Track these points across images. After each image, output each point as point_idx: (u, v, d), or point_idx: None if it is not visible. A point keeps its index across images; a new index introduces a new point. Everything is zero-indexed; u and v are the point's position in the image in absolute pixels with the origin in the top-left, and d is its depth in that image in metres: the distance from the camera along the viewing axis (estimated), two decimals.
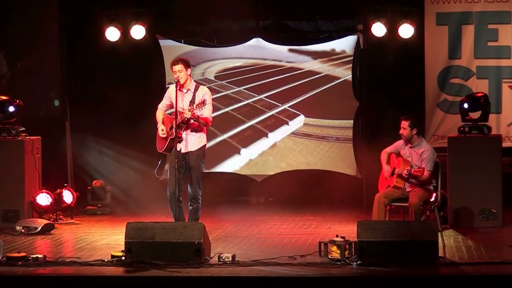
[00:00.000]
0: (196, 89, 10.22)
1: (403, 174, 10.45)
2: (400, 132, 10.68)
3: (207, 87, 10.46)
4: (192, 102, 10.09)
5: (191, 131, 10.15)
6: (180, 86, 10.17)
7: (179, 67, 10.13)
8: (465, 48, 13.20)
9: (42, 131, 12.71)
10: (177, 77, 10.11)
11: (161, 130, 10.24)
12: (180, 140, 10.13)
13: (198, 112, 10.03)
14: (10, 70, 13.53)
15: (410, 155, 10.65)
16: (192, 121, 10.07)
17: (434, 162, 10.59)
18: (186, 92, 10.20)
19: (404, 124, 10.65)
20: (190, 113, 9.97)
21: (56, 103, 13.80)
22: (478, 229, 11.21)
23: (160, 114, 10.37)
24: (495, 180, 11.42)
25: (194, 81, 10.43)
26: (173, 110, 10.22)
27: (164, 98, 10.44)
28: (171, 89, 10.30)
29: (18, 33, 13.46)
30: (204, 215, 10.93)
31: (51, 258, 9.22)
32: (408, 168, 10.45)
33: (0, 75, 13.53)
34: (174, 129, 10.08)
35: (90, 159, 13.94)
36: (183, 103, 10.15)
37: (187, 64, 10.16)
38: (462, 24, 13.18)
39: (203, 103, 9.96)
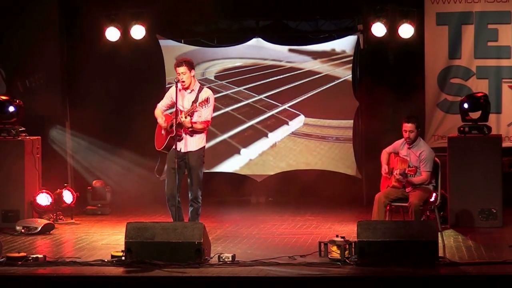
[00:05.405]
0: (200, 90, 10.19)
1: (394, 174, 10.48)
2: (407, 136, 10.62)
3: (208, 87, 10.45)
4: (194, 102, 10.06)
5: (192, 131, 10.13)
6: (182, 87, 10.14)
7: (182, 69, 10.08)
8: (465, 48, 13.20)
9: (42, 131, 12.70)
10: (181, 78, 10.09)
11: (162, 121, 10.20)
12: (180, 138, 10.11)
13: (197, 115, 10.02)
14: (10, 87, 13.53)
15: (408, 155, 10.65)
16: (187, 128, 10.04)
17: (432, 162, 10.61)
18: (190, 93, 10.19)
19: (411, 127, 10.59)
20: (187, 120, 9.94)
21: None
22: (478, 229, 11.21)
23: (158, 113, 10.34)
24: (495, 180, 11.42)
25: (199, 82, 10.41)
26: (173, 109, 10.22)
27: (165, 97, 10.41)
28: (173, 88, 10.29)
29: (18, 34, 13.45)
30: (204, 215, 10.92)
31: (51, 258, 9.22)
32: (405, 167, 10.46)
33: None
34: (174, 127, 10.06)
35: (90, 159, 13.94)
36: (185, 102, 10.13)
37: (190, 66, 10.12)
38: (462, 24, 13.17)
39: (206, 100, 9.93)
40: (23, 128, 12.12)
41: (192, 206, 10.22)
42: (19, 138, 11.99)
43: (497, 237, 10.77)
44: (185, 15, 13.74)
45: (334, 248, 9.06)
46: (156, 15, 13.54)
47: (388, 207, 10.53)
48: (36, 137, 12.25)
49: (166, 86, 13.58)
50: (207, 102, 9.93)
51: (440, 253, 9.17)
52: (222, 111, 13.95)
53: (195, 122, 10.05)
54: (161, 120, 10.22)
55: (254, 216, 12.54)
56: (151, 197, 13.39)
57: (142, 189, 13.66)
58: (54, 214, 12.14)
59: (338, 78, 13.88)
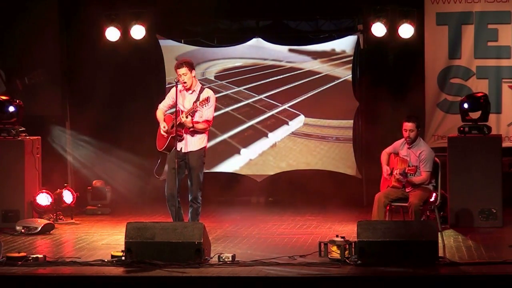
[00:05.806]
0: (201, 91, 10.19)
1: (394, 174, 10.48)
2: (407, 135, 10.63)
3: (208, 87, 10.45)
4: (195, 102, 10.05)
5: (193, 131, 10.12)
6: (184, 88, 10.14)
7: (183, 70, 10.08)
8: (465, 48, 13.20)
9: (42, 131, 12.69)
10: (182, 80, 10.09)
11: (163, 127, 10.22)
12: (180, 138, 10.11)
13: (198, 115, 10.03)
14: (9, 87, 13.53)
15: (408, 155, 10.66)
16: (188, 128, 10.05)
17: (432, 162, 10.62)
18: (191, 93, 10.18)
19: (412, 126, 10.61)
20: (188, 120, 9.95)
21: None
22: (478, 229, 11.21)
23: (160, 114, 10.35)
24: (495, 180, 11.42)
25: (200, 82, 10.40)
26: (174, 109, 10.22)
27: (166, 98, 10.42)
28: (175, 89, 10.28)
29: (18, 34, 13.45)
30: (204, 215, 10.92)
31: (51, 258, 9.23)
32: (405, 167, 10.47)
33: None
34: (175, 127, 10.06)
35: (90, 159, 13.93)
36: (186, 103, 10.13)
37: (191, 66, 10.13)
38: (462, 24, 13.17)
39: (207, 100, 9.94)
40: (23, 128, 12.12)
41: (191, 206, 10.22)
42: (19, 138, 11.99)
43: (497, 237, 10.78)
44: (185, 15, 13.74)
45: (334, 248, 9.07)
46: (156, 15, 13.54)
47: (388, 207, 10.53)
48: (36, 137, 12.24)
49: (166, 86, 13.58)
50: (207, 101, 9.94)
51: (440, 253, 9.17)
52: (222, 111, 13.94)
53: (196, 122, 10.05)
54: (162, 126, 10.21)
55: (254, 216, 12.54)
56: (151, 197, 13.39)
57: (142, 189, 13.66)
58: (54, 214, 12.14)
59: (338, 78, 13.88)
